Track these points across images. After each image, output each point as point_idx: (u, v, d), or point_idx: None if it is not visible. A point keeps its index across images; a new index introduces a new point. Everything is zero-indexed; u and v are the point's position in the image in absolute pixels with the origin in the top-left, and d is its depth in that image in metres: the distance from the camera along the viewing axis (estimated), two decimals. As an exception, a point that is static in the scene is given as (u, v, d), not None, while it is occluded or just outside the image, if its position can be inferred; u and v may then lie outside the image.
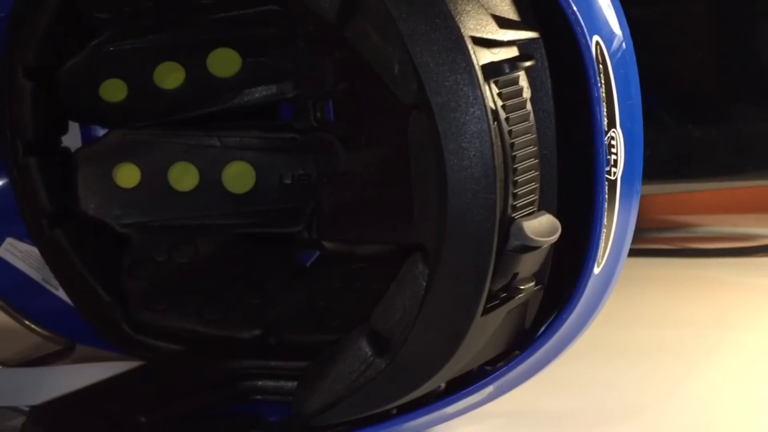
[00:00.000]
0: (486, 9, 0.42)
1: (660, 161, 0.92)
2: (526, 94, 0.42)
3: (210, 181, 0.62)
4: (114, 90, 0.60)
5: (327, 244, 0.62)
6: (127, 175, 0.62)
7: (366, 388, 0.45)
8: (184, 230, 0.62)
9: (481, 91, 0.40)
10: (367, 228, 0.60)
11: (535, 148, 0.42)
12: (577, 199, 0.45)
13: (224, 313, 0.58)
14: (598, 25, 0.45)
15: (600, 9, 0.45)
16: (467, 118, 0.40)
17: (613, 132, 0.45)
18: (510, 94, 0.41)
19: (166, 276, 0.60)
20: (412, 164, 0.44)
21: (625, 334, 0.70)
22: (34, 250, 0.61)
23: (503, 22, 0.42)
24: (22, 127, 0.57)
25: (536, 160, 0.42)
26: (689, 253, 0.96)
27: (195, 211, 0.62)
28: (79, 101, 0.60)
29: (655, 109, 0.92)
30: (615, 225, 0.46)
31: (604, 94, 0.44)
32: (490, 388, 0.48)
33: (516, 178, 0.41)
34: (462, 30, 0.40)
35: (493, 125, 0.40)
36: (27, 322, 0.64)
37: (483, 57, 0.41)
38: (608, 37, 0.45)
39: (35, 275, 0.64)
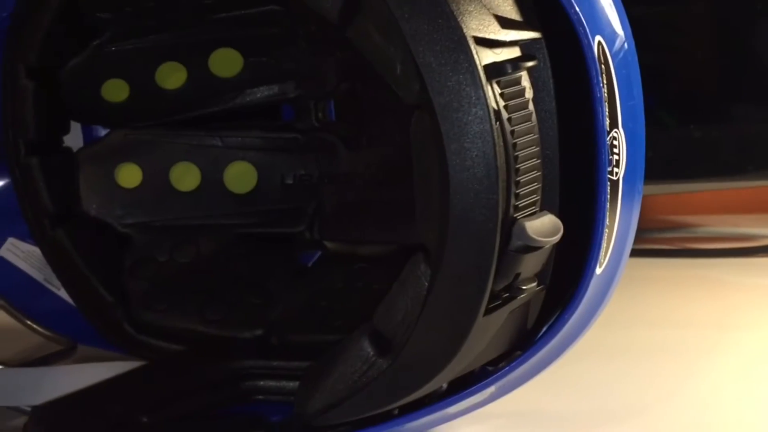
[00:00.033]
0: (488, 9, 0.42)
1: (661, 161, 0.92)
2: (529, 94, 0.42)
3: (212, 181, 0.62)
4: (116, 90, 0.60)
5: (328, 244, 0.62)
6: (129, 175, 0.62)
7: (368, 388, 0.45)
8: (185, 230, 0.62)
9: (483, 91, 0.40)
10: (369, 228, 0.60)
11: (538, 149, 0.42)
12: (579, 200, 0.45)
13: (226, 313, 0.58)
14: (600, 25, 0.45)
15: (602, 9, 0.45)
16: (470, 118, 0.40)
17: (615, 132, 0.45)
18: (512, 95, 0.41)
19: (168, 276, 0.60)
20: (415, 164, 0.44)
21: (626, 334, 0.70)
22: (35, 250, 0.61)
23: (505, 23, 0.42)
24: (24, 127, 0.57)
25: (538, 161, 0.42)
26: (690, 254, 0.96)
27: (197, 211, 0.62)
28: (81, 101, 0.60)
29: (656, 109, 0.92)
30: (617, 225, 0.46)
31: (606, 95, 0.44)
32: (491, 389, 0.48)
33: (518, 179, 0.41)
34: (464, 30, 0.40)
35: (496, 125, 0.40)
36: (29, 322, 0.64)
37: (485, 57, 0.41)
38: (610, 38, 0.45)
39: (37, 275, 0.64)
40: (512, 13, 0.43)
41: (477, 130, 0.40)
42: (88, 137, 0.64)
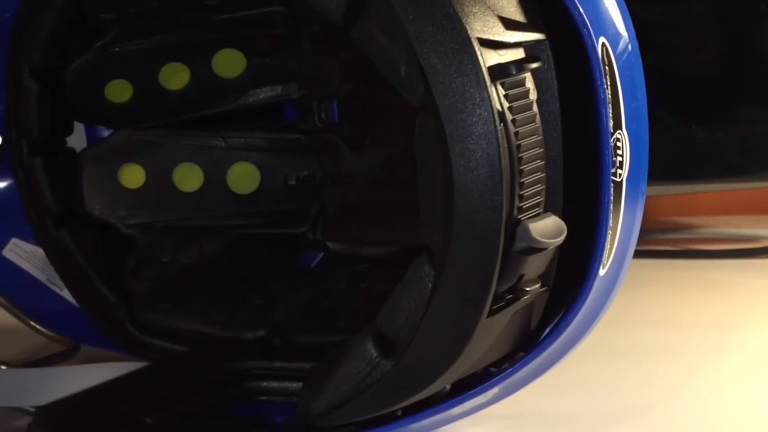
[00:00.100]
0: (493, 10, 0.42)
1: (664, 162, 0.92)
2: (533, 95, 0.42)
3: (215, 181, 0.62)
4: (119, 90, 0.60)
5: (331, 245, 0.62)
6: (132, 176, 0.62)
7: (371, 389, 0.45)
8: (188, 231, 0.62)
9: (487, 92, 0.40)
10: (372, 229, 0.60)
11: (542, 150, 0.42)
12: (583, 201, 0.45)
13: (229, 313, 0.59)
14: (604, 26, 0.45)
15: (606, 10, 0.45)
16: (474, 119, 0.40)
17: (619, 134, 0.45)
18: (516, 96, 0.41)
19: (171, 276, 0.60)
20: (419, 165, 0.44)
21: (629, 335, 0.70)
22: (38, 251, 0.61)
23: (510, 24, 0.42)
24: (28, 127, 0.57)
25: (542, 162, 0.42)
26: (693, 255, 0.96)
27: (200, 212, 0.62)
28: (85, 102, 0.60)
29: (659, 110, 0.92)
30: (620, 226, 0.46)
31: (610, 96, 0.44)
32: (495, 390, 0.48)
33: (522, 180, 0.41)
34: (469, 31, 0.40)
35: (500, 127, 0.40)
36: (32, 323, 0.64)
37: (490, 59, 0.41)
38: (614, 39, 0.45)
39: (40, 275, 0.64)
40: (516, 15, 0.43)
41: (481, 131, 0.40)
42: (92, 138, 0.64)
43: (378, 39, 0.43)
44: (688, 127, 0.95)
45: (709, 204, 1.07)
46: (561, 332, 0.47)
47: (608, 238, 0.45)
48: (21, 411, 0.54)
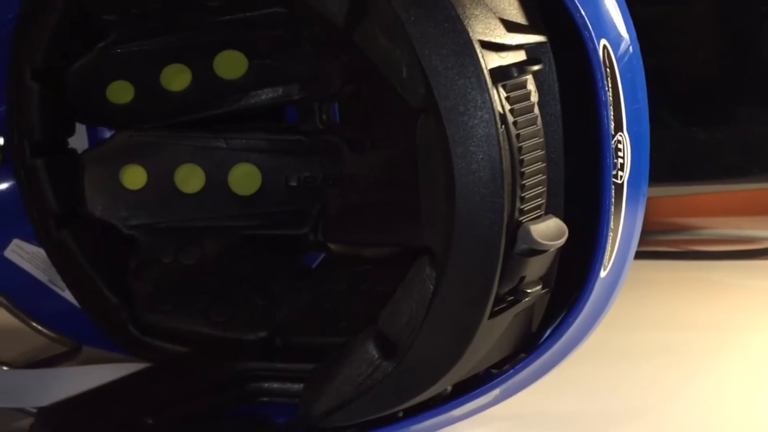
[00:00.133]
0: (494, 13, 0.42)
1: (665, 163, 0.92)
2: (534, 98, 0.43)
3: (216, 182, 0.62)
4: (121, 92, 0.61)
5: (332, 246, 0.62)
6: (134, 177, 0.62)
7: (373, 390, 0.45)
8: (190, 232, 0.62)
9: (489, 95, 0.40)
10: (373, 230, 0.60)
11: (543, 152, 0.42)
12: (584, 203, 0.45)
13: (230, 314, 0.59)
14: (605, 29, 0.45)
15: (607, 12, 0.45)
16: (475, 121, 0.40)
17: (620, 136, 0.45)
18: (518, 98, 0.41)
19: (173, 277, 0.60)
20: (420, 167, 0.44)
21: (629, 336, 0.71)
22: (40, 251, 0.62)
23: (511, 26, 0.42)
24: (30, 128, 0.57)
25: (543, 164, 0.43)
26: (694, 256, 0.96)
27: (201, 213, 0.62)
28: (87, 103, 0.60)
29: (660, 111, 0.92)
30: (621, 228, 0.46)
31: (611, 98, 0.44)
32: (496, 391, 0.48)
33: (523, 182, 0.41)
34: (470, 34, 0.40)
35: (501, 129, 0.40)
36: (33, 324, 0.64)
37: (491, 61, 0.41)
38: (615, 41, 0.45)
39: (41, 276, 0.64)
40: (518, 17, 0.43)
41: (483, 133, 0.40)
42: (93, 139, 0.64)
43: (379, 41, 0.43)
44: (688, 128, 0.95)
45: (710, 205, 1.07)
46: (562, 334, 0.47)
47: (609, 240, 0.45)
48: (23, 412, 0.54)
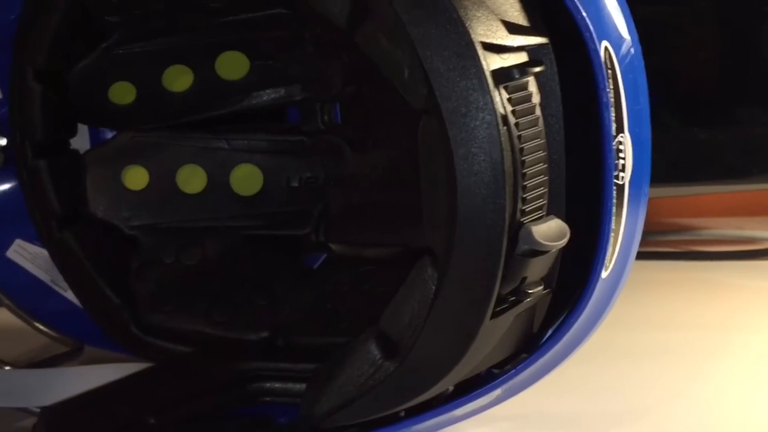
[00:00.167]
0: (496, 15, 0.42)
1: (666, 164, 0.92)
2: (536, 99, 0.43)
3: (218, 183, 0.62)
4: (123, 92, 0.61)
5: (334, 247, 0.62)
6: (136, 178, 0.62)
7: (375, 390, 0.45)
8: (192, 232, 0.62)
9: (491, 96, 0.40)
10: (374, 231, 0.60)
11: (544, 153, 0.43)
12: (586, 204, 0.45)
13: (232, 314, 0.59)
14: (607, 30, 0.45)
15: (609, 14, 0.46)
16: (477, 123, 0.40)
17: (622, 137, 0.45)
18: (519, 100, 0.42)
19: (175, 278, 0.61)
20: (422, 168, 0.44)
21: (630, 336, 0.71)
22: (42, 252, 0.62)
23: (513, 28, 0.43)
24: (32, 129, 0.57)
25: (545, 165, 0.43)
26: (695, 256, 0.96)
27: (203, 213, 0.62)
28: (89, 104, 0.60)
29: (660, 111, 0.92)
30: (623, 229, 0.46)
31: (612, 99, 0.44)
32: (498, 391, 0.48)
33: (525, 183, 0.41)
34: (472, 35, 0.40)
35: (503, 130, 0.40)
36: (35, 324, 0.64)
37: (493, 62, 0.41)
38: (617, 43, 0.45)
39: (44, 277, 0.64)
40: (519, 19, 0.44)
41: (484, 135, 0.40)
42: (95, 139, 0.64)
43: (381, 42, 0.43)
44: (689, 128, 0.95)
45: (711, 206, 1.07)
46: (563, 334, 0.47)
47: (611, 241, 0.45)
48: (25, 411, 0.54)
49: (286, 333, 0.57)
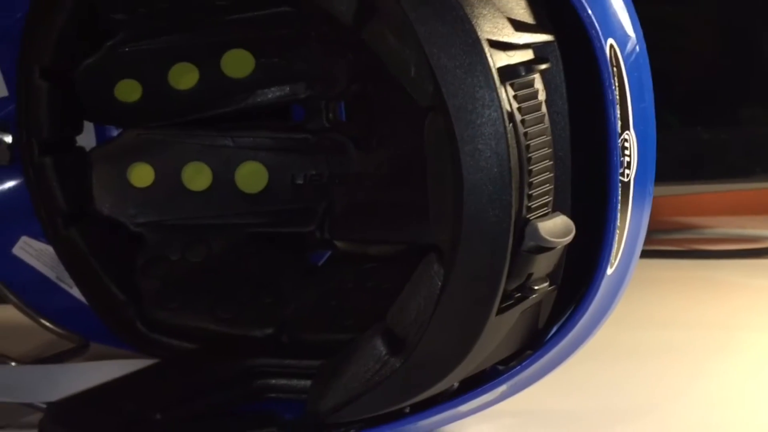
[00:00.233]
0: (502, 12, 0.42)
1: (669, 163, 0.92)
2: (541, 96, 0.43)
3: (223, 180, 0.62)
4: (129, 90, 0.61)
5: (339, 244, 0.62)
6: (141, 175, 0.62)
7: (380, 386, 0.45)
8: (197, 229, 0.62)
9: (497, 93, 0.40)
10: (379, 228, 0.60)
11: (550, 150, 0.43)
12: (591, 201, 0.45)
13: (237, 311, 0.59)
14: (612, 28, 0.45)
15: (614, 12, 0.46)
16: (483, 120, 0.40)
17: (627, 134, 0.45)
18: (525, 97, 0.42)
19: (180, 275, 0.61)
20: (428, 165, 0.44)
21: (634, 334, 0.71)
22: (48, 249, 0.62)
23: (519, 26, 0.43)
24: (38, 126, 0.58)
25: (551, 162, 0.43)
26: (698, 255, 0.96)
27: (208, 211, 0.63)
28: (94, 101, 0.60)
29: (664, 110, 0.92)
30: (628, 226, 0.46)
31: (617, 97, 0.44)
32: (502, 388, 0.48)
33: (531, 180, 0.42)
34: (479, 33, 0.40)
35: (509, 127, 0.40)
36: (41, 320, 0.64)
37: (499, 60, 0.41)
38: (622, 40, 0.45)
39: (49, 273, 0.64)
40: (525, 16, 0.44)
41: (491, 131, 0.40)
42: (101, 137, 0.64)
43: (388, 40, 0.43)
44: (693, 128, 0.95)
45: (714, 204, 1.07)
46: (568, 331, 0.47)
47: (616, 238, 0.46)
48: (31, 407, 0.54)
49: (291, 330, 0.57)
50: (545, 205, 0.43)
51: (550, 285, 0.44)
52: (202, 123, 0.62)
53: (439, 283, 0.43)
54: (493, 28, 0.41)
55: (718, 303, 0.81)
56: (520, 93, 0.41)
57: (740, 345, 0.70)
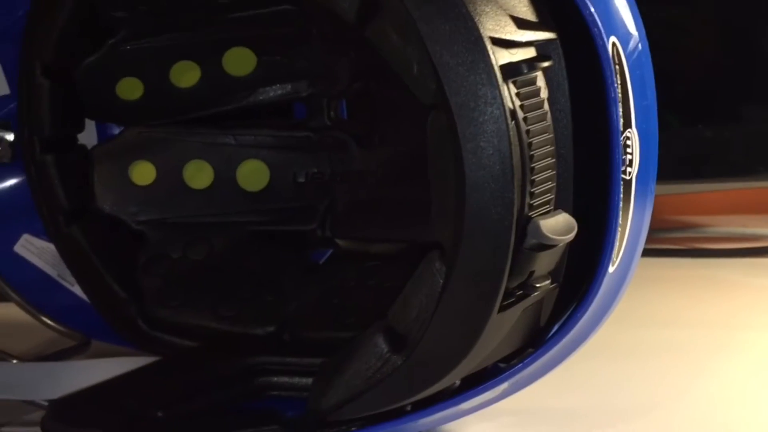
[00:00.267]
0: (504, 10, 0.42)
1: (671, 161, 0.92)
2: (544, 94, 0.43)
3: (224, 179, 0.62)
4: (130, 88, 0.61)
5: (340, 242, 0.62)
6: (143, 173, 0.62)
7: (382, 384, 0.45)
8: (198, 227, 0.62)
9: (499, 91, 0.40)
10: (381, 226, 0.60)
11: (552, 148, 0.43)
12: (593, 199, 0.45)
13: (238, 309, 0.59)
14: (615, 26, 0.45)
15: (617, 10, 0.46)
16: (486, 117, 0.40)
17: (629, 132, 0.45)
18: (528, 94, 0.42)
19: (181, 273, 0.61)
20: (430, 163, 0.44)
21: (635, 333, 0.71)
22: (50, 247, 0.62)
23: (521, 23, 0.43)
24: (40, 124, 0.58)
25: (553, 160, 0.43)
26: (699, 254, 0.96)
27: (209, 209, 0.63)
28: (96, 99, 0.60)
29: (666, 109, 0.92)
30: (629, 224, 0.46)
31: (620, 95, 0.44)
32: (504, 386, 0.48)
33: (533, 177, 0.42)
34: (481, 30, 0.40)
35: (511, 125, 0.40)
36: (43, 318, 0.64)
37: (501, 57, 0.41)
38: (625, 38, 0.45)
39: (51, 271, 0.64)
40: (528, 14, 0.44)
41: (493, 129, 0.40)
42: (103, 135, 0.64)
43: (391, 38, 0.43)
44: (694, 126, 0.95)
45: (715, 203, 1.07)
46: (570, 329, 0.47)
47: (618, 236, 0.46)
48: (33, 404, 0.54)
49: (293, 328, 0.57)
50: (547, 202, 0.43)
51: (551, 283, 0.45)
52: (203, 121, 0.62)
53: (441, 281, 0.43)
54: (495, 25, 0.41)
55: (719, 302, 0.81)
56: (522, 90, 0.42)
57: (741, 344, 0.70)
